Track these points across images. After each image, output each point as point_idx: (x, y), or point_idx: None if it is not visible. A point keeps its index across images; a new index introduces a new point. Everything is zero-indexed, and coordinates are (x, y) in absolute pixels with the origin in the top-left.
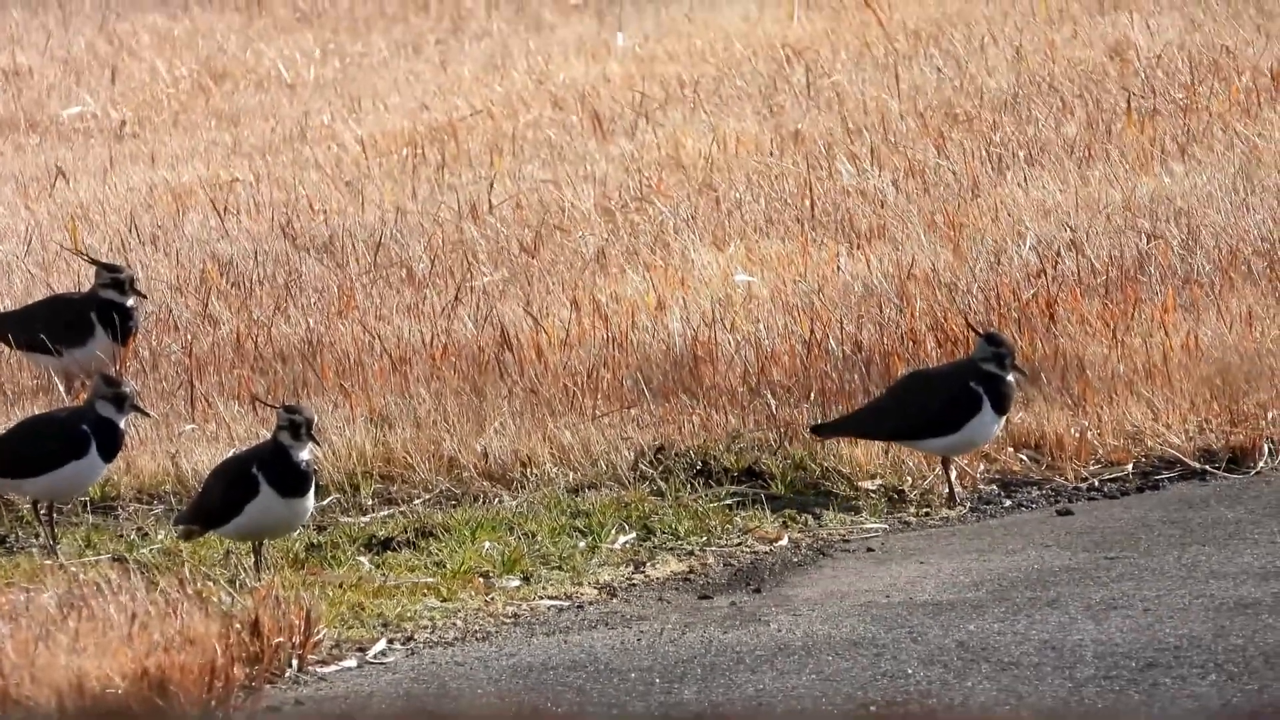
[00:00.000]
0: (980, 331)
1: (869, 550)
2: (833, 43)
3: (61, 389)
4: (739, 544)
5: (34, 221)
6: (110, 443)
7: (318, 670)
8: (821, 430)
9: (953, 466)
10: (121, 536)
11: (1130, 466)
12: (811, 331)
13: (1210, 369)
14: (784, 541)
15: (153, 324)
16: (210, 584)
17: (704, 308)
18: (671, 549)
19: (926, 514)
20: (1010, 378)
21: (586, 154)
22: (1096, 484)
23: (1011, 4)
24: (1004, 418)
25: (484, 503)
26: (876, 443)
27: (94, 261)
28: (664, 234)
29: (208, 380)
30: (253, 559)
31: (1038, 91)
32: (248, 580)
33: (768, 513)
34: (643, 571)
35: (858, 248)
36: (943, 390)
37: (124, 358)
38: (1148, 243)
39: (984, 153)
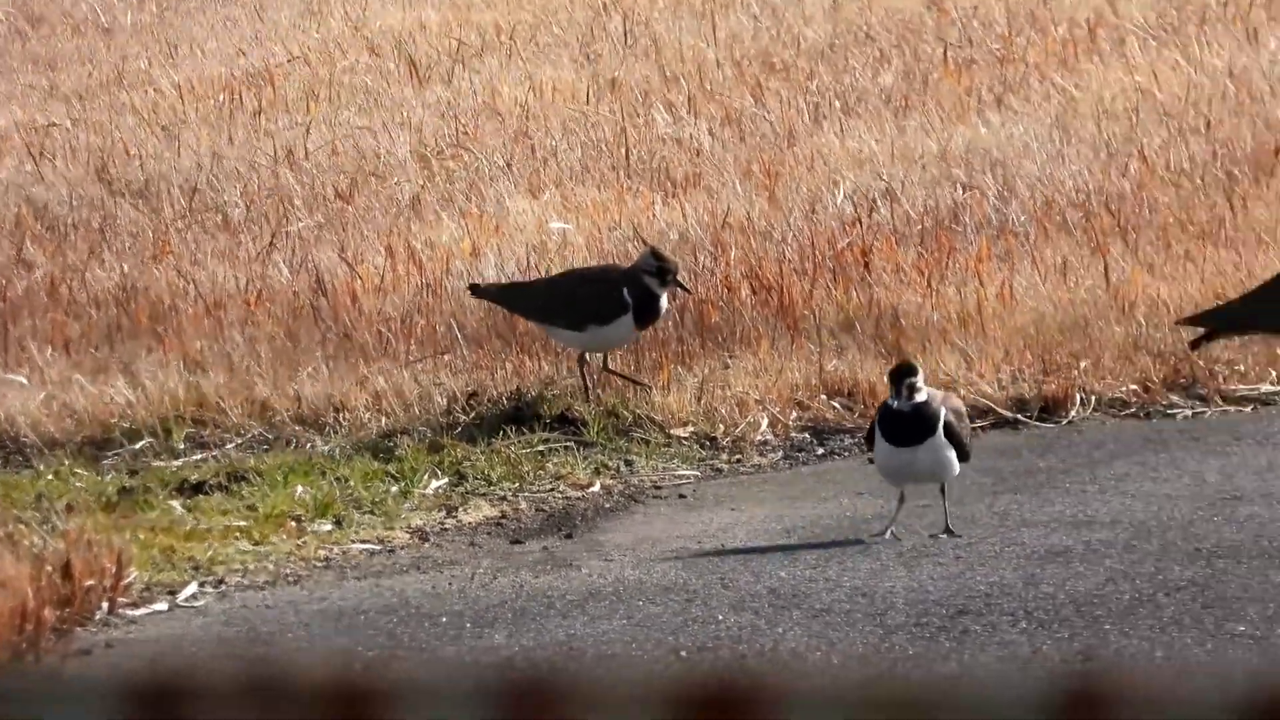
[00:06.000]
0: None
1: (681, 497)
2: None
3: None
4: (551, 490)
5: None
6: None
7: (129, 613)
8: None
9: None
10: None
11: None
12: None
13: (1024, 319)
14: (596, 488)
15: None
16: (21, 526)
17: (519, 254)
18: (484, 494)
19: (739, 461)
20: None
21: (403, 101)
22: None
23: None
24: None
25: (297, 447)
26: (689, 390)
27: None
28: (479, 181)
29: (21, 325)
30: (63, 504)
31: (855, 41)
32: (59, 523)
33: (580, 459)
34: (455, 517)
35: (673, 196)
36: None
37: None
38: (963, 193)
39: (801, 102)
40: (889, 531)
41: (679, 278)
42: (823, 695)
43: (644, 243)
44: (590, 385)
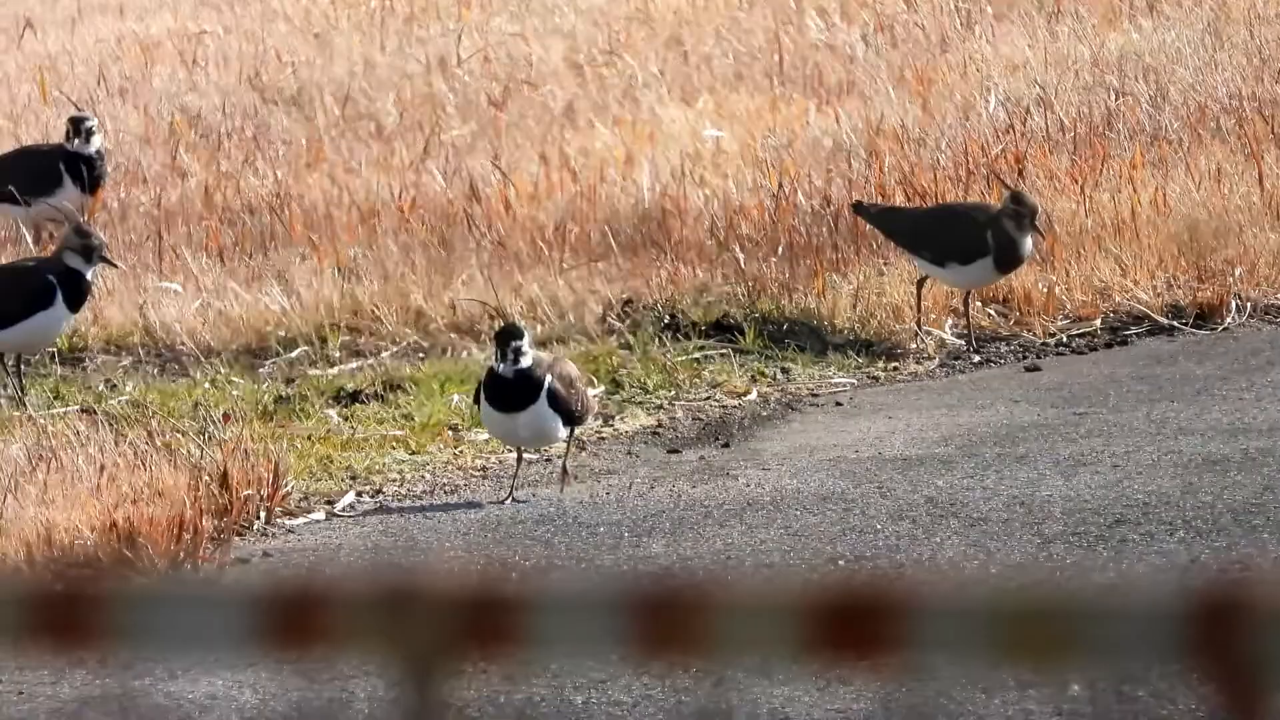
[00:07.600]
0: None
1: (837, 405)
2: None
3: (29, 240)
4: (707, 398)
5: (2, 74)
6: (76, 294)
7: (286, 523)
8: None
9: None
10: (89, 388)
11: (1098, 322)
12: (780, 186)
13: (1178, 226)
14: (752, 396)
15: (121, 176)
16: (179, 436)
17: (672, 162)
18: (640, 403)
19: (895, 369)
20: None
21: (554, 7)
22: (1065, 340)
23: None
24: None
25: (452, 355)
26: (845, 297)
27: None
28: (632, 89)
29: (176, 232)
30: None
31: None
32: (217, 432)
33: (736, 367)
34: (611, 425)
35: (826, 103)
36: None
37: (93, 209)
38: (1116, 99)
39: (953, 8)
40: (510, 495)
41: (1037, 221)
42: (971, 603)
43: (1006, 182)
44: (921, 315)
